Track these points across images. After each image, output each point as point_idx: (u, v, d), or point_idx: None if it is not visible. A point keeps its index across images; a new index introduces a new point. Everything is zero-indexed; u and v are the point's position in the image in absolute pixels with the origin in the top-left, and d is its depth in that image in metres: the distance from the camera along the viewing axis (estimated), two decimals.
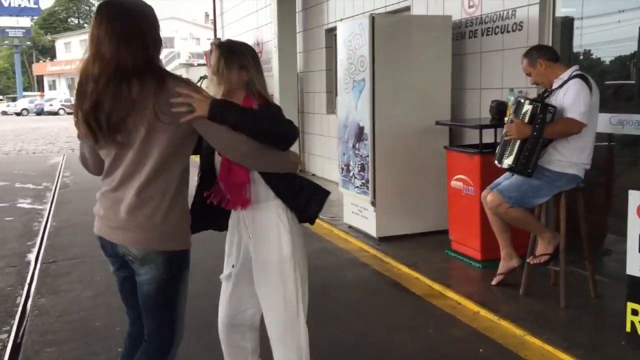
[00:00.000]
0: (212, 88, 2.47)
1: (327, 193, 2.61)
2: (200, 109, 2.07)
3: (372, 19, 5.36)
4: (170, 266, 2.19)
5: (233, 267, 2.69)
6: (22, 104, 47.53)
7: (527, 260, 4.15)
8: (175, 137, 2.10)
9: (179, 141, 2.12)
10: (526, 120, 3.86)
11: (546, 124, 3.80)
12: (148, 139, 2.06)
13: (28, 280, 4.90)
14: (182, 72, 39.66)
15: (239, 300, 2.72)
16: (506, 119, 4.39)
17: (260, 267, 2.56)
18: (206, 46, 14.58)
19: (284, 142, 2.32)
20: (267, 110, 2.39)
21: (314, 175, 9.83)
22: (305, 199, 2.55)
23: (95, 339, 3.76)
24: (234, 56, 2.46)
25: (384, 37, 5.39)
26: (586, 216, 4.03)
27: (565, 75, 3.95)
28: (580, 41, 4.89)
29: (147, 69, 2.06)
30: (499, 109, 4.89)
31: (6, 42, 57.85)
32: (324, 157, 9.36)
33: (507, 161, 3.97)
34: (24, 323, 4.03)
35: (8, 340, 3.75)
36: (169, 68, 34.98)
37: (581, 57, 4.91)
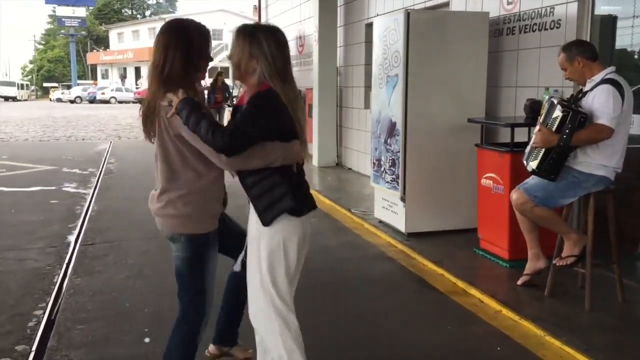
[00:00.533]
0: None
1: (290, 206, 2.47)
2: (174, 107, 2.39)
3: (407, 14, 5.36)
4: (193, 245, 2.58)
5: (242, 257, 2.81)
6: (76, 91, 49.12)
7: (553, 262, 4.10)
8: (175, 139, 2.49)
9: (181, 143, 2.48)
10: (554, 127, 3.77)
11: (574, 132, 3.72)
12: (162, 142, 2.54)
13: (66, 261, 5.11)
14: (229, 64, 40.38)
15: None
16: (540, 118, 4.30)
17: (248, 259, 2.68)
18: None
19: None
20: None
21: (350, 169, 9.87)
22: (265, 203, 2.47)
23: (124, 319, 3.91)
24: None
25: (418, 33, 5.38)
26: (616, 219, 3.96)
27: (597, 77, 3.85)
28: (620, 40, 4.78)
29: None
30: (533, 107, 4.82)
31: (62, 31, 59.75)
32: (359, 152, 9.39)
33: (532, 164, 3.94)
34: (59, 301, 4.22)
35: (43, 317, 3.94)
36: (217, 59, 35.40)
37: (619, 57, 4.81)
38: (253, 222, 2.58)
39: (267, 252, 2.53)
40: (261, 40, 2.44)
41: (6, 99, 49.80)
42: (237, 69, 2.48)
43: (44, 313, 4.00)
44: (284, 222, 2.49)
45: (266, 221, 2.48)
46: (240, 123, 2.36)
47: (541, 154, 3.86)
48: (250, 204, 2.56)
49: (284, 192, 2.45)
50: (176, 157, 2.52)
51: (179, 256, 2.62)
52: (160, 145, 2.55)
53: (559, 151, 3.78)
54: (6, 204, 7.57)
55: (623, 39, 4.98)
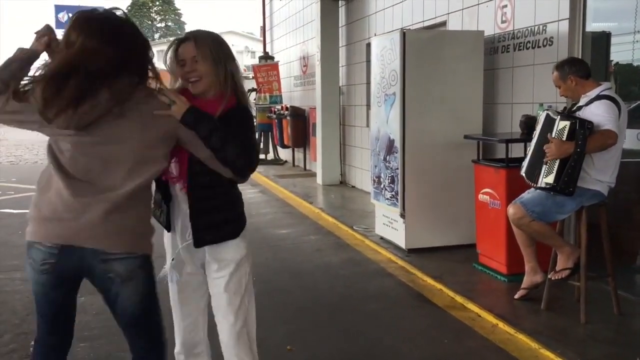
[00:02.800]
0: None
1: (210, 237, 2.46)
2: (178, 111, 2.20)
3: (403, 34, 5.47)
4: None
5: None
6: None
7: (549, 276, 4.14)
8: None
9: None
10: (564, 137, 3.80)
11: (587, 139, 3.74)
12: None
13: None
14: None
15: None
16: (535, 132, 4.30)
17: None
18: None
19: (241, 174, 2.39)
20: (240, 133, 2.35)
21: (353, 187, 9.95)
22: (240, 211, 2.59)
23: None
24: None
25: (415, 52, 5.49)
26: (610, 232, 4.00)
27: (592, 94, 3.93)
28: (610, 57, 4.86)
29: None
30: (527, 123, 4.89)
31: None
32: (363, 169, 9.47)
33: (547, 180, 3.87)
34: None
35: None
36: None
37: (610, 73, 4.88)
38: (228, 247, 2.51)
39: (250, 266, 2.60)
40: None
41: None
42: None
43: None
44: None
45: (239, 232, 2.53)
46: (253, 142, 2.48)
47: (556, 167, 3.81)
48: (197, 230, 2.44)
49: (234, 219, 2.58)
50: None
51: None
52: None
53: (577, 159, 3.75)
54: (14, 226, 7.68)
55: (623, 55, 5.05)
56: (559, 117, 3.88)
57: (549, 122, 3.97)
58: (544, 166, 3.91)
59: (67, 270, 2.16)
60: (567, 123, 3.80)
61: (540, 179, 3.94)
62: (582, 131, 3.74)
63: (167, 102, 2.20)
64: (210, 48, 2.37)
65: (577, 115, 3.93)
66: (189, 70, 2.38)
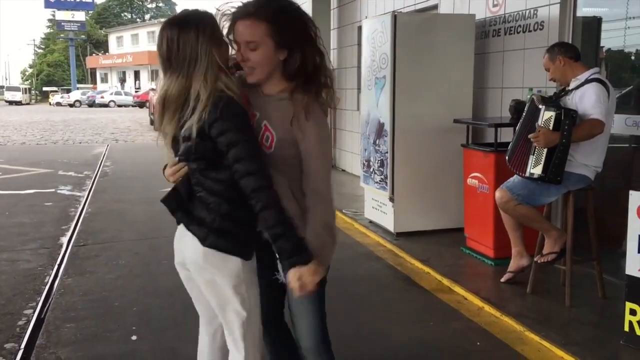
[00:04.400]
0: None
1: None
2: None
3: (394, 16, 5.43)
4: None
5: None
6: (75, 95, 49.24)
7: (535, 259, 4.17)
8: None
9: None
10: (551, 126, 3.81)
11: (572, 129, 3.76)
12: None
13: (58, 262, 5.18)
14: None
15: None
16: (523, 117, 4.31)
17: None
18: None
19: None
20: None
21: (344, 170, 9.94)
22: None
23: (112, 317, 3.98)
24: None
25: (405, 35, 5.45)
26: (596, 217, 4.02)
27: (582, 77, 3.93)
28: (601, 42, 4.86)
29: None
30: (517, 108, 4.88)
31: (62, 35, 59.88)
32: (353, 153, 9.45)
33: (536, 171, 3.89)
34: (49, 300, 4.29)
35: (33, 316, 4.00)
36: None
37: (601, 58, 4.88)
38: None
39: None
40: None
41: (11, 103, 52.03)
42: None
43: (33, 312, 4.07)
44: None
45: None
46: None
47: (544, 157, 3.84)
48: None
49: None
50: None
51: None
52: None
53: (563, 149, 3.78)
54: (0, 207, 7.63)
55: (614, 41, 5.04)
56: (543, 106, 3.87)
57: (533, 110, 3.97)
58: (532, 156, 3.92)
59: None
60: (552, 114, 3.81)
61: (528, 169, 3.95)
62: (568, 122, 3.76)
63: None
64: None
65: (567, 100, 3.94)
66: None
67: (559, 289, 4.20)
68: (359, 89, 9.11)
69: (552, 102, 3.96)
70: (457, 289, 4.39)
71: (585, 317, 3.79)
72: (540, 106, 3.91)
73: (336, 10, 10.03)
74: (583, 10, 4.89)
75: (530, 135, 3.91)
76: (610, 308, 3.90)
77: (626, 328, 3.31)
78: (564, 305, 3.93)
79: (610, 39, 5.09)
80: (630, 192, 3.29)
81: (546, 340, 3.47)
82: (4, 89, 59.79)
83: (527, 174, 3.95)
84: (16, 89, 57.45)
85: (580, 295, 4.01)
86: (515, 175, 4.17)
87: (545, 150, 3.83)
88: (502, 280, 4.40)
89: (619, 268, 4.66)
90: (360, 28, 8.91)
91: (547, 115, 3.84)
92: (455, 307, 4.11)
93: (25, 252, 5.59)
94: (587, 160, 3.91)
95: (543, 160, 3.85)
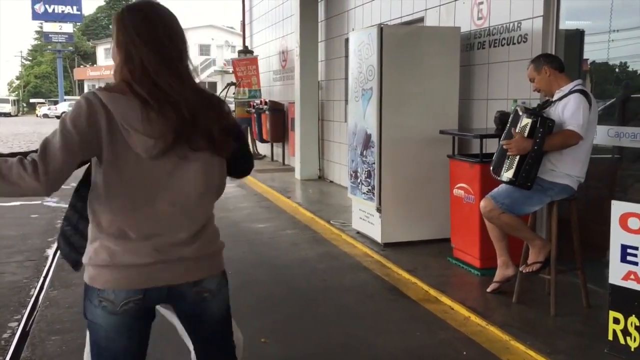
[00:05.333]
0: None
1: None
2: None
3: (381, 29, 5.49)
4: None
5: None
6: (62, 107, 49.00)
7: (520, 269, 4.20)
8: None
9: None
10: (526, 134, 3.90)
11: (545, 137, 3.85)
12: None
13: (43, 274, 5.15)
14: (217, 79, 40.33)
15: None
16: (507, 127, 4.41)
17: None
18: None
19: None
20: None
21: (331, 182, 9.97)
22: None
23: None
24: None
25: (392, 47, 5.51)
26: (579, 227, 4.07)
27: (566, 88, 4.00)
28: (584, 54, 4.93)
29: None
30: (502, 119, 4.94)
31: (49, 47, 59.65)
32: (341, 165, 9.49)
33: (507, 175, 4.00)
34: (35, 313, 4.26)
35: (18, 328, 3.97)
36: (204, 75, 35.23)
37: (584, 70, 4.95)
38: None
39: None
40: None
41: (1, 115, 52.12)
42: None
43: (18, 325, 4.04)
44: None
45: None
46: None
47: (516, 162, 3.94)
48: None
49: None
50: None
51: (226, 299, 2.05)
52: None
53: (534, 156, 3.87)
54: None
55: (598, 53, 5.12)
56: (524, 114, 3.96)
57: (516, 120, 4.05)
58: (507, 160, 4.03)
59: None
60: (529, 121, 3.91)
61: (502, 173, 4.05)
62: (542, 130, 3.84)
63: None
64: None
65: (551, 111, 4.01)
66: None
67: (544, 298, 4.24)
68: (346, 100, 9.18)
69: (535, 112, 4.03)
70: (444, 299, 4.42)
71: (570, 326, 3.82)
72: (521, 114, 3.99)
73: (324, 22, 10.11)
74: (566, 24, 4.97)
75: (502, 142, 4.04)
76: (595, 317, 3.93)
77: (610, 337, 3.34)
78: (549, 314, 3.96)
79: (593, 52, 5.17)
80: (613, 202, 3.33)
81: (532, 349, 3.49)
82: None
83: (501, 177, 4.06)
84: (5, 100, 58.21)
85: (565, 304, 4.05)
86: (500, 185, 4.23)
87: (518, 156, 3.93)
88: (488, 290, 4.43)
89: (603, 277, 4.71)
90: (347, 40, 9.02)
91: (524, 122, 3.95)
92: (442, 317, 4.13)
93: (10, 264, 5.55)
94: (570, 171, 3.97)
95: (515, 165, 3.95)
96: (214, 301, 1.97)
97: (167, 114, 1.76)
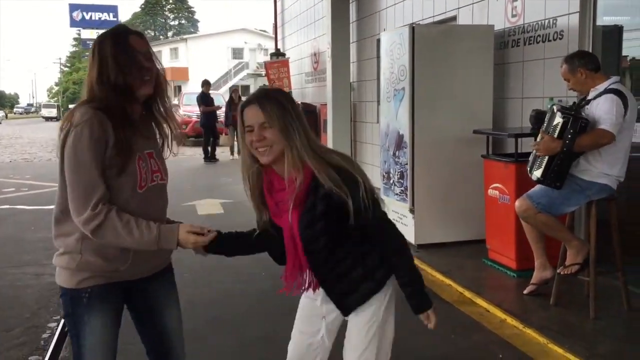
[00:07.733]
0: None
1: None
2: None
3: (412, 28, 5.45)
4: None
5: None
6: None
7: (558, 271, 4.11)
8: None
9: None
10: (556, 134, 3.83)
11: (576, 138, 3.76)
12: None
13: None
14: (250, 82, 40.63)
15: None
16: (543, 127, 4.33)
17: None
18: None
19: None
20: None
21: None
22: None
23: (133, 330, 3.99)
24: None
25: (424, 47, 5.46)
26: (619, 227, 3.96)
27: (601, 87, 3.90)
28: (623, 51, 4.81)
29: None
30: (538, 118, 4.84)
31: (87, 53, 60.99)
32: (374, 166, 9.44)
33: (537, 173, 3.98)
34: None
35: (57, 329, 4.03)
36: (237, 78, 35.48)
37: (624, 67, 4.83)
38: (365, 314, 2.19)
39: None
40: None
41: (48, 119, 56.21)
42: None
43: (57, 325, 4.12)
44: None
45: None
46: None
47: (545, 162, 3.91)
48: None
49: None
50: None
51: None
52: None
53: (563, 157, 3.82)
54: (27, 221, 7.77)
55: (639, 50, 4.99)
56: (559, 113, 3.87)
57: (552, 118, 3.98)
58: (537, 159, 3.99)
59: None
60: (560, 120, 3.83)
61: (533, 172, 4.01)
62: (572, 130, 3.76)
63: None
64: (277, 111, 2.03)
65: (587, 109, 3.91)
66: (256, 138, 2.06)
67: (583, 300, 4.14)
68: (378, 101, 9.13)
69: (569, 111, 3.93)
70: (479, 301, 4.35)
71: (610, 330, 3.72)
72: (556, 111, 3.90)
73: (355, 23, 10.08)
74: (603, 19, 4.85)
75: (531, 144, 4.03)
76: (636, 320, 3.83)
77: None
78: (588, 317, 3.87)
79: (633, 48, 5.04)
80: None
81: (570, 352, 3.41)
82: (42, 106, 65.95)
83: (533, 177, 4.02)
84: (52, 106, 63.77)
85: (605, 307, 3.95)
86: (537, 185, 4.15)
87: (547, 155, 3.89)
88: (525, 292, 4.35)
89: None
90: (379, 41, 8.98)
91: (556, 121, 3.88)
92: (477, 320, 4.07)
93: (50, 265, 5.60)
94: (608, 170, 3.87)
95: (544, 164, 3.90)
96: None
97: None
